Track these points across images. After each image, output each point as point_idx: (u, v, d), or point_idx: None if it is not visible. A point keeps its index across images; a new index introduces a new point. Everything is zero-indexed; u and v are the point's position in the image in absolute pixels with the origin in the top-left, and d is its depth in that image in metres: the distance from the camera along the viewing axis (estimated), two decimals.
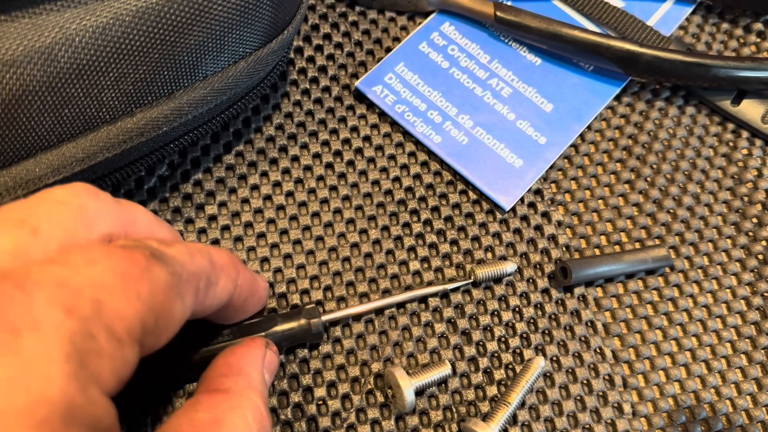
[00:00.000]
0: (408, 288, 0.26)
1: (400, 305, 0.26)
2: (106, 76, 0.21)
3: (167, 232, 0.20)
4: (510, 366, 0.25)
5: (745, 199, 0.29)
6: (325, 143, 0.28)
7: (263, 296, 0.22)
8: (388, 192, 0.28)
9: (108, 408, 0.14)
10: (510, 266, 0.26)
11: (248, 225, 0.27)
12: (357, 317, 0.25)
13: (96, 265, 0.15)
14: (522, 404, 0.25)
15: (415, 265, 0.27)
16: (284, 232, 0.27)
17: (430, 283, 0.26)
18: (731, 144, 0.30)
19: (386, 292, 0.26)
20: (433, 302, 0.26)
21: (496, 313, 0.26)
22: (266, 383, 0.20)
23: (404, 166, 0.28)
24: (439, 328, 0.26)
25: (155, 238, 0.18)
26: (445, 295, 0.26)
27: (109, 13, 0.20)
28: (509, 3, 0.31)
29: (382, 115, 0.29)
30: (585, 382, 0.26)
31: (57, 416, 0.13)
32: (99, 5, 0.20)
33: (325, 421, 0.24)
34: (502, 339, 0.26)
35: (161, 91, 0.22)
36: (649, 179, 0.29)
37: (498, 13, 0.29)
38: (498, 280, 0.27)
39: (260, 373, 0.20)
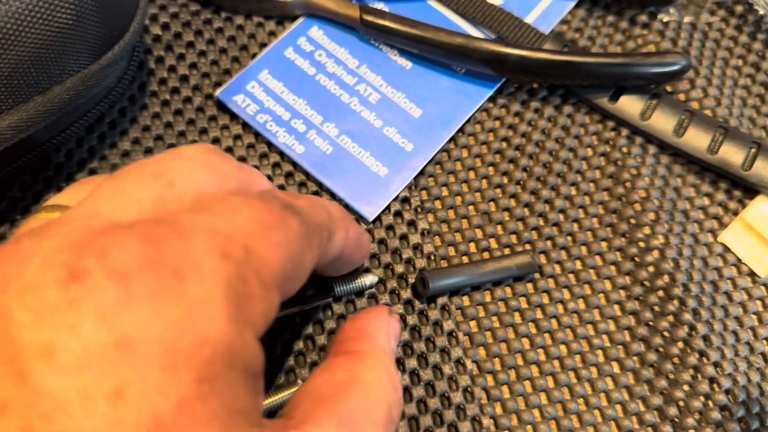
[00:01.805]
0: None
1: None
2: None
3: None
4: None
5: (623, 199, 0.28)
6: None
7: (367, 250, 0.24)
8: None
9: (259, 351, 0.14)
10: (370, 279, 0.26)
11: None
12: None
13: (239, 213, 0.15)
14: None
15: None
16: None
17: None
18: (611, 143, 0.29)
19: None
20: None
21: None
22: (393, 348, 0.21)
23: (268, 179, 0.28)
24: (298, 346, 0.25)
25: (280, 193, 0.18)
26: (303, 313, 0.25)
27: None
28: (379, 5, 0.30)
29: (246, 125, 0.28)
30: (444, 395, 0.25)
31: (219, 357, 0.13)
32: None
33: None
34: None
35: None
36: (520, 183, 0.28)
37: (363, 16, 0.28)
38: (360, 293, 0.26)
39: (387, 338, 0.21)
